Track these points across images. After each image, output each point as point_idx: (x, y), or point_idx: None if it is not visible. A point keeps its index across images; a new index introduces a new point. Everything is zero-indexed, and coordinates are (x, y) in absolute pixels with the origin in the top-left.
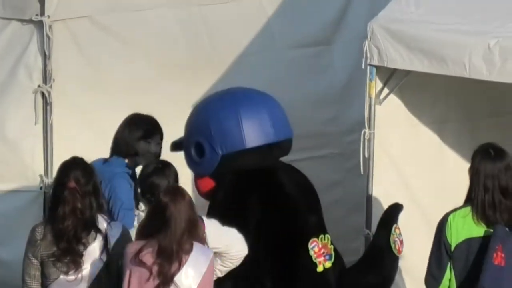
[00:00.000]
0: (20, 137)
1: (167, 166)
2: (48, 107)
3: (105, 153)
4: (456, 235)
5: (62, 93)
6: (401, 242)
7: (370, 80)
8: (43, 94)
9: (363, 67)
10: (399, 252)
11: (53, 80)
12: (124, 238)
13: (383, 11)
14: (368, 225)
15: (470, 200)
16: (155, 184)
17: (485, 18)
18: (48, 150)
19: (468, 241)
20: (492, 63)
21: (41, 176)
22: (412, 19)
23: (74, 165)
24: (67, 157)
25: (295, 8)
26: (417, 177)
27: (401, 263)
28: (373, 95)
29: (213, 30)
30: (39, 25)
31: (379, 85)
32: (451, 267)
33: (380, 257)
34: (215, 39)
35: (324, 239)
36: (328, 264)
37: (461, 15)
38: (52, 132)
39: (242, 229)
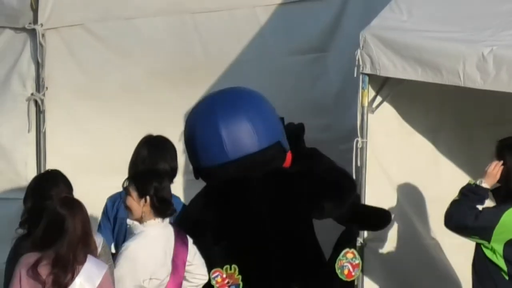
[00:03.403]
0: (13, 145)
1: None
2: (41, 115)
3: (98, 160)
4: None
5: (55, 101)
6: (355, 266)
7: (363, 88)
8: (36, 102)
9: (355, 75)
10: (349, 277)
11: (46, 88)
12: (105, 250)
13: (375, 19)
14: (360, 234)
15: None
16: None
17: (478, 27)
18: (41, 158)
19: None
20: (486, 72)
21: None
22: (405, 27)
23: (54, 177)
24: (60, 165)
25: (288, 16)
26: (410, 187)
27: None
28: (366, 104)
29: (206, 38)
30: (32, 33)
31: (372, 93)
32: (504, 263)
33: (329, 279)
34: (208, 47)
35: (230, 269)
36: None
37: (454, 24)
38: (45, 140)
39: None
